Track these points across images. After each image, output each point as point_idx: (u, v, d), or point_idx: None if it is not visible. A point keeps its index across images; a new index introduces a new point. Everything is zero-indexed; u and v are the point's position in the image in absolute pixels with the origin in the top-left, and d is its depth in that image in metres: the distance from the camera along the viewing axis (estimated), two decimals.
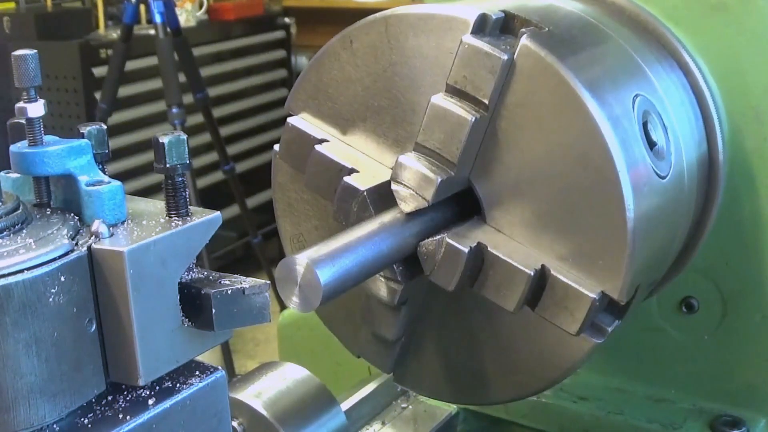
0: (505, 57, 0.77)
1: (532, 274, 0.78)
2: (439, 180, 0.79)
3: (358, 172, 0.84)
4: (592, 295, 0.77)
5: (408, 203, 0.80)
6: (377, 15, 0.84)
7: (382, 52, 0.84)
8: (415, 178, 0.79)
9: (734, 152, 0.98)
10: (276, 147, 0.92)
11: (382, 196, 0.82)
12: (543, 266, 0.78)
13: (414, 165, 0.80)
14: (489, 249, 0.79)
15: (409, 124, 0.84)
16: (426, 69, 0.82)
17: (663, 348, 1.08)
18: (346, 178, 0.84)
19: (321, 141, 0.87)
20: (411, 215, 0.79)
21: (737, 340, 1.04)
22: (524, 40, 0.77)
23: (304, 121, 0.89)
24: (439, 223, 0.81)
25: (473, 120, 0.78)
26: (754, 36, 0.96)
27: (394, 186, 0.81)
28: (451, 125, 0.79)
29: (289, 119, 0.90)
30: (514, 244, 0.80)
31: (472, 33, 0.79)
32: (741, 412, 1.05)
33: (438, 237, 0.79)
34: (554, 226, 0.78)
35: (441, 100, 0.79)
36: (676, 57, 0.97)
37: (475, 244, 0.79)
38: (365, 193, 0.82)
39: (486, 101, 0.78)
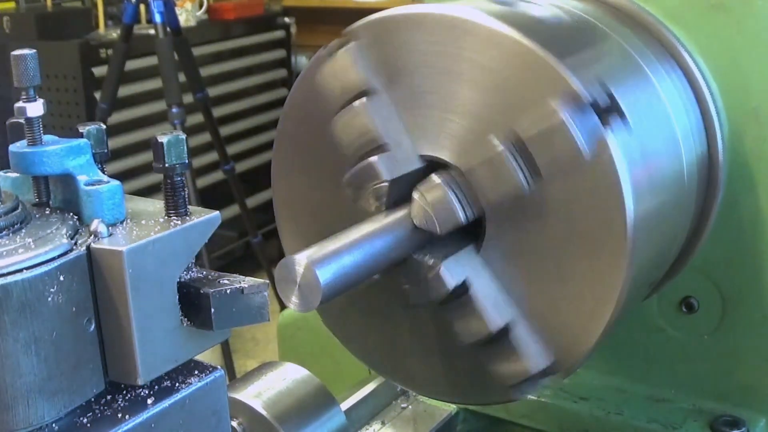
0: (588, 159, 0.74)
1: (494, 331, 0.79)
2: (462, 218, 0.78)
3: (389, 152, 0.80)
4: (538, 367, 0.79)
5: (419, 218, 0.79)
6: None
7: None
8: (440, 202, 0.78)
9: (734, 152, 0.98)
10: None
11: (401, 190, 0.80)
12: (507, 325, 0.79)
13: (444, 189, 0.78)
14: (470, 290, 0.79)
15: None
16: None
17: (663, 348, 1.08)
18: (373, 159, 0.80)
19: (364, 94, 0.82)
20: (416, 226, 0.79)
21: (737, 340, 1.04)
22: (610, 141, 0.74)
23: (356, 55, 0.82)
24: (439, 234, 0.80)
25: (526, 191, 0.76)
26: (754, 36, 0.96)
27: (415, 194, 0.79)
28: (503, 182, 0.76)
29: (345, 47, 0.83)
30: (494, 287, 0.80)
31: (569, 108, 0.74)
32: (741, 412, 1.05)
33: (432, 260, 0.79)
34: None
35: (504, 148, 0.76)
36: (676, 57, 0.97)
37: (461, 281, 0.79)
38: (388, 184, 0.80)
39: (542, 174, 0.75)
